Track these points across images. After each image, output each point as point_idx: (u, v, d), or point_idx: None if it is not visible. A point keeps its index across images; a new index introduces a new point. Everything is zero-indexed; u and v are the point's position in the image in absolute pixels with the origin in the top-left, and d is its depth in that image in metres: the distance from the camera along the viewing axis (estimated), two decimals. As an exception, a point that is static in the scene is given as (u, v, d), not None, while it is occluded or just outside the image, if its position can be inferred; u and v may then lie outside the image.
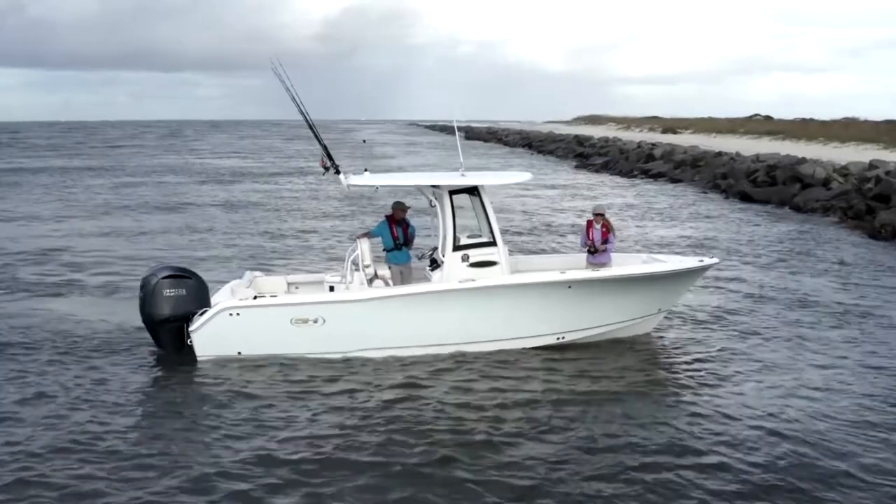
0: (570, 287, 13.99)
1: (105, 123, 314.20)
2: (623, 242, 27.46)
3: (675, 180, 49.40)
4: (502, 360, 13.77)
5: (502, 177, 16.61)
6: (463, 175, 14.12)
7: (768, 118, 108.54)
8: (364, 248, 14.34)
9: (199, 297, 13.78)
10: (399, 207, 14.90)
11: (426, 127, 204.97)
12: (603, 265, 15.08)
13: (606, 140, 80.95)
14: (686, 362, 14.32)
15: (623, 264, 15.25)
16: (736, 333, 16.15)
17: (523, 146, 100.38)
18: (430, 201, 14.52)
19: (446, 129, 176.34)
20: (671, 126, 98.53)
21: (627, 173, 56.25)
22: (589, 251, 15.29)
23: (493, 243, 14.06)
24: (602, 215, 15.28)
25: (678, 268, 14.88)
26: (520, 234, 29.88)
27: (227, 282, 15.51)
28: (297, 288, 15.27)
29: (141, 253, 25.24)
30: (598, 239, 15.19)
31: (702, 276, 16.34)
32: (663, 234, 29.70)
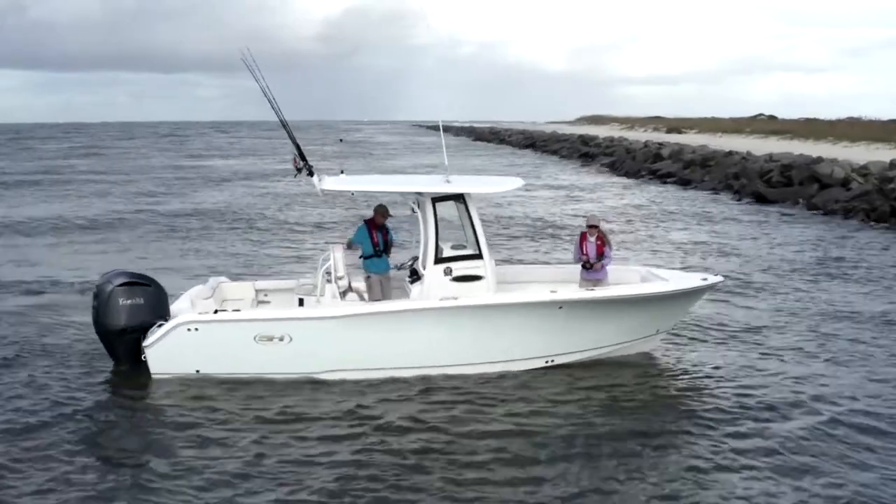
0: (560, 308, 12.99)
1: (106, 124, 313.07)
2: (634, 248, 26.29)
3: (684, 181, 47.80)
4: (486, 384, 12.72)
5: (491, 184, 15.21)
6: (448, 181, 13.21)
7: (772, 118, 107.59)
8: (337, 258, 13.40)
9: (158, 307, 12.85)
10: (381, 211, 13.94)
11: (428, 127, 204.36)
12: (598, 282, 14.05)
13: (612, 140, 79.49)
14: (703, 387, 13.02)
15: (620, 280, 14.27)
16: (761, 351, 14.71)
17: (527, 146, 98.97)
18: (412, 208, 13.47)
19: (448, 130, 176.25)
20: (676, 126, 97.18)
21: (635, 173, 54.74)
22: (583, 266, 14.19)
23: (478, 256, 13.11)
24: (596, 227, 14.27)
25: (679, 287, 13.73)
26: (519, 237, 28.48)
27: (191, 288, 14.53)
28: (265, 295, 14.36)
29: (105, 259, 23.41)
30: (592, 254, 14.16)
31: (705, 295, 15.10)
32: (676, 239, 28.24)
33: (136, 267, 16.37)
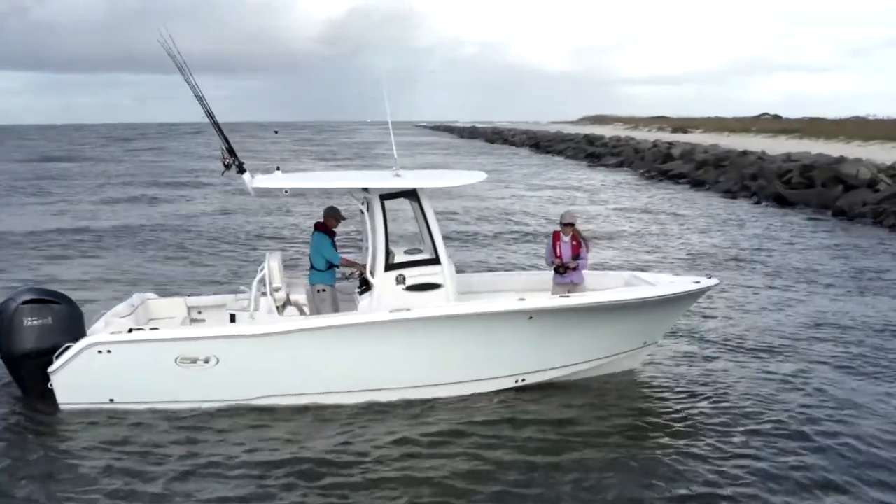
0: (531, 318, 11.47)
1: (106, 125, 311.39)
2: (646, 253, 24.56)
3: (697, 182, 45.88)
4: (445, 409, 11.31)
5: (447, 177, 13.32)
6: (398, 175, 11.80)
7: (777, 117, 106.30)
8: (273, 267, 11.96)
9: (70, 327, 11.40)
10: (332, 215, 12.50)
11: (429, 128, 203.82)
12: (574, 288, 12.60)
13: (619, 139, 77.55)
14: (699, 411, 11.51)
15: (600, 287, 12.73)
16: (772, 372, 13.08)
17: (530, 146, 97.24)
18: (361, 208, 12.05)
19: (451, 130, 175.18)
20: (681, 126, 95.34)
21: (644, 173, 52.78)
22: (556, 270, 12.74)
23: (435, 261, 11.70)
24: (572, 225, 12.79)
25: (668, 292, 12.20)
26: (519, 240, 26.75)
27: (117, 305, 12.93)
28: (199, 312, 12.97)
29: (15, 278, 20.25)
30: (567, 255, 12.72)
31: (697, 301, 13.58)
32: (693, 244, 26.43)
33: (55, 284, 14.91)
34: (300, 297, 12.29)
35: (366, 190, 11.88)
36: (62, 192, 44.29)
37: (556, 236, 12.85)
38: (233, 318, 12.07)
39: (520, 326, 11.49)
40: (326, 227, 12.34)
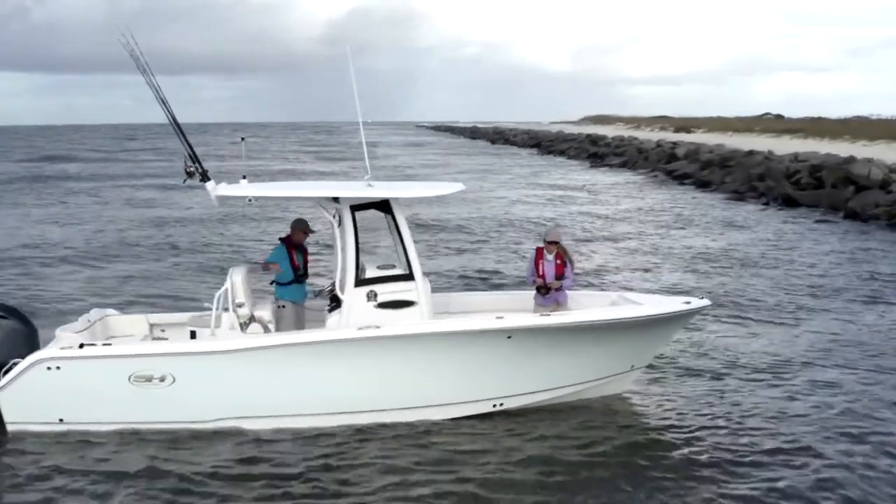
0: (509, 337, 10.81)
1: (106, 126, 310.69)
2: (649, 257, 23.74)
3: (703, 182, 45.01)
4: (417, 434, 10.61)
5: (422, 188, 12.77)
6: (369, 185, 11.30)
7: (779, 117, 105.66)
8: (236, 282, 11.37)
9: (22, 343, 10.87)
10: (300, 227, 12.01)
11: (431, 128, 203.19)
12: (556, 308, 11.88)
13: (622, 139, 76.69)
14: (692, 439, 10.59)
15: (584, 307, 12.14)
16: (777, 393, 12.18)
17: (532, 146, 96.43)
18: (331, 220, 11.47)
19: (452, 130, 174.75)
20: (684, 125, 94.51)
21: (648, 174, 51.92)
22: (538, 290, 12.09)
23: (409, 276, 11.11)
24: (556, 243, 12.17)
25: (655, 313, 11.45)
26: (522, 243, 25.32)
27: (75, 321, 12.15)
28: (163, 330, 12.35)
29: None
30: (550, 274, 12.05)
31: (688, 321, 12.76)
32: (699, 248, 25.54)
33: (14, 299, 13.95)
34: (265, 313, 11.64)
35: (335, 200, 11.34)
36: (48, 196, 43.43)
37: (539, 253, 12.18)
38: (193, 335, 11.41)
39: (497, 347, 10.84)
40: (291, 239, 11.90)
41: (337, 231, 11.37)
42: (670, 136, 78.68)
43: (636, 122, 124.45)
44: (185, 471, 9.57)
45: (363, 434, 10.53)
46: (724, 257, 23.63)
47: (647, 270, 22.01)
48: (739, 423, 11.01)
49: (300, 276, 11.79)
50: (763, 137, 66.97)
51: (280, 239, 12.01)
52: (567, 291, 12.17)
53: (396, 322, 10.81)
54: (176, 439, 10.35)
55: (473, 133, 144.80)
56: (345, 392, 10.69)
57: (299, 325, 11.73)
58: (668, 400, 12.02)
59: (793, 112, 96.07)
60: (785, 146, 51.85)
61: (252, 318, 11.50)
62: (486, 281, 20.19)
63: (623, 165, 59.38)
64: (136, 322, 12.40)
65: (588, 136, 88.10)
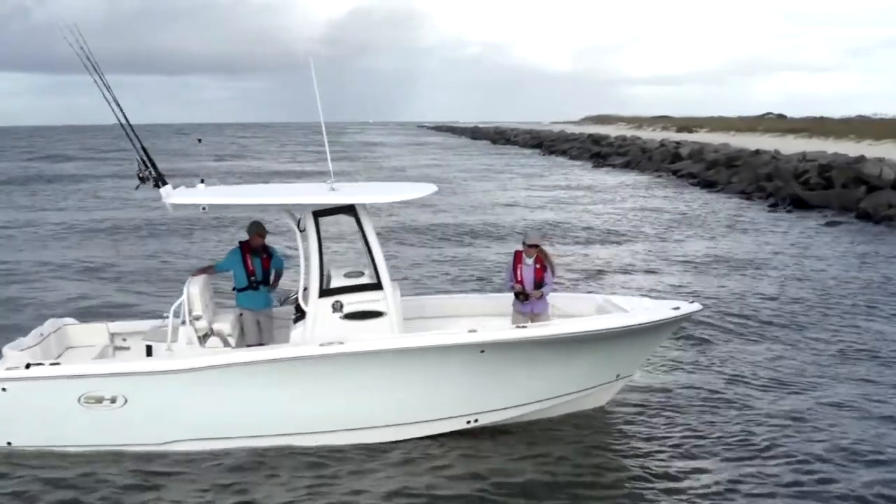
0: (482, 352, 10.17)
1: (108, 127, 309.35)
2: (658, 259, 22.94)
3: (709, 182, 44.15)
4: (388, 452, 10.06)
5: (390, 191, 12.03)
6: (333, 189, 10.72)
7: (781, 117, 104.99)
8: (193, 293, 10.73)
9: None
10: (257, 231, 11.37)
11: (431, 128, 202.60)
12: (536, 317, 11.24)
13: (624, 139, 75.84)
14: (683, 456, 9.86)
15: (569, 312, 11.61)
16: (780, 410, 11.30)
17: (533, 146, 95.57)
18: (294, 227, 10.91)
19: (453, 130, 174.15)
20: (686, 125, 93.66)
21: (652, 174, 51.11)
22: (517, 296, 11.32)
23: (377, 285, 10.51)
24: (537, 247, 11.34)
25: (641, 321, 10.76)
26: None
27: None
28: (124, 340, 11.83)
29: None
30: (528, 280, 11.28)
31: (677, 329, 12.07)
32: (709, 249, 24.71)
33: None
34: (225, 325, 11.00)
35: (296, 207, 10.78)
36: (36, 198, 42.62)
37: (517, 257, 11.40)
38: (150, 350, 10.81)
39: (470, 361, 10.19)
40: (249, 244, 11.33)
41: (300, 238, 10.78)
42: (673, 136, 77.86)
43: (638, 121, 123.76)
44: (134, 497, 9.05)
45: (332, 454, 9.93)
46: (732, 259, 22.86)
47: (651, 272, 21.31)
48: (736, 439, 10.25)
49: (255, 282, 11.23)
50: (767, 137, 66.28)
51: (240, 242, 11.41)
52: (547, 298, 11.43)
53: (364, 334, 10.24)
54: (128, 463, 9.80)
55: (474, 133, 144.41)
56: (308, 411, 10.10)
57: (260, 333, 11.30)
58: (657, 412, 11.30)
59: (793, 112, 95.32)
60: (790, 146, 51.13)
61: (211, 332, 10.88)
62: (484, 281, 19.50)
63: (626, 166, 58.54)
64: (96, 331, 11.87)
65: (590, 135, 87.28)
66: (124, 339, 11.76)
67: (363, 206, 10.62)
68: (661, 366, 13.10)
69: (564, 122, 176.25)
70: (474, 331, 10.17)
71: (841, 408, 11.37)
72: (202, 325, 10.81)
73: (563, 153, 79.48)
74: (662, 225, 30.40)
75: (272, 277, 11.47)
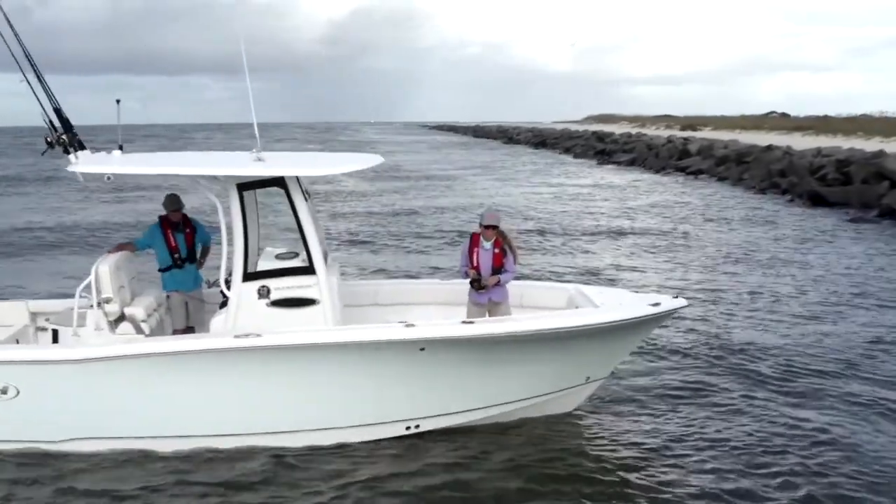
0: (422, 349, 9.03)
1: (109, 128, 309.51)
2: (663, 256, 21.66)
3: (719, 179, 42.70)
4: (311, 461, 8.99)
5: (323, 163, 10.78)
6: (259, 160, 9.50)
7: (784, 116, 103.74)
8: (103, 272, 9.68)
9: None
10: (172, 205, 10.40)
11: (432, 128, 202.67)
12: (495, 307, 10.04)
13: (629, 136, 74.24)
14: (664, 468, 8.79)
15: (535, 304, 10.54)
16: (779, 421, 10.15)
17: (536, 144, 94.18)
18: (215, 201, 9.70)
19: (455, 129, 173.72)
20: (689, 124, 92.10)
21: (660, 171, 49.58)
22: (472, 284, 10.02)
23: (308, 269, 9.35)
24: (495, 228, 10.02)
25: (615, 318, 9.50)
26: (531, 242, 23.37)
27: None
28: (47, 319, 10.61)
29: None
30: (486, 266, 9.99)
31: (657, 326, 10.97)
32: (725, 245, 23.25)
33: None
34: (139, 310, 9.96)
35: (216, 178, 9.62)
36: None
37: (474, 240, 10.12)
38: (55, 336, 9.84)
39: (408, 360, 9.06)
40: (168, 218, 10.35)
41: (222, 214, 9.64)
42: (678, 134, 76.40)
43: (640, 121, 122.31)
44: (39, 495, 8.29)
45: (236, 461, 8.89)
46: (747, 256, 21.61)
47: (661, 268, 20.16)
48: (725, 449, 9.14)
49: (180, 259, 10.24)
50: (773, 135, 64.91)
51: (160, 217, 10.39)
52: (511, 287, 10.21)
53: (295, 324, 9.15)
54: (18, 463, 8.95)
55: (476, 132, 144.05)
56: (220, 411, 9.09)
57: (188, 318, 10.39)
58: (633, 420, 10.09)
59: (796, 112, 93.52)
60: (799, 143, 49.83)
61: (123, 316, 9.81)
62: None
63: (632, 163, 57.04)
64: (15, 309, 10.94)
65: (594, 132, 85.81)
66: (47, 319, 10.56)
67: (294, 178, 9.41)
68: (648, 363, 12.05)
69: (566, 122, 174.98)
70: (412, 325, 8.98)
71: (851, 423, 10.09)
72: (112, 308, 9.74)
73: (567, 151, 78.04)
74: (674, 220, 29.16)
75: (199, 254, 10.45)
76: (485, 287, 9.97)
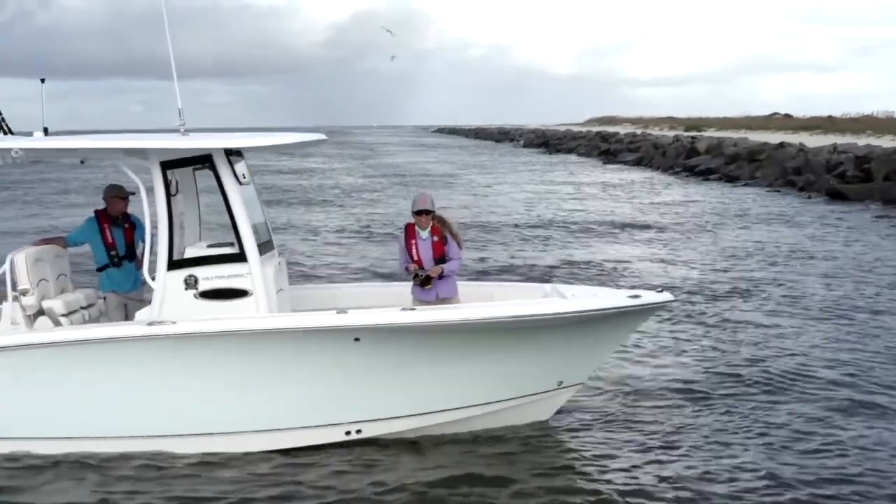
0: (357, 340, 8.22)
1: (111, 132, 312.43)
2: (674, 255, 20.20)
3: (730, 177, 41.33)
4: (234, 467, 8.20)
5: (255, 138, 9.66)
6: (184, 135, 8.78)
7: (788, 116, 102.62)
8: (18, 263, 8.96)
9: None
10: (116, 194, 9.68)
11: (434, 131, 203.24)
12: (444, 302, 9.00)
13: (634, 135, 72.90)
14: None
15: (498, 304, 9.20)
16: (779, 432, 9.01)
17: (539, 145, 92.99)
18: (136, 182, 9.02)
19: (456, 132, 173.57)
20: (693, 125, 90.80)
21: (667, 170, 48.22)
22: (414, 280, 9.06)
23: (239, 256, 8.57)
24: (429, 212, 9.09)
25: (580, 309, 8.48)
26: (529, 239, 22.26)
27: None
28: None
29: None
30: (427, 259, 9.02)
31: (642, 323, 9.76)
32: (748, 244, 21.83)
33: None
34: (57, 303, 9.09)
35: (137, 154, 8.95)
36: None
37: (409, 231, 9.16)
38: None
39: (341, 353, 8.24)
40: (108, 213, 9.60)
41: (145, 196, 8.93)
42: (684, 135, 75.09)
43: (644, 122, 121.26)
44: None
45: (154, 465, 8.14)
46: (767, 256, 20.38)
47: (677, 267, 18.90)
48: (711, 465, 8.13)
49: (118, 257, 9.46)
50: (781, 134, 63.84)
51: (95, 211, 9.65)
52: (454, 280, 9.17)
53: (223, 317, 8.38)
54: None
55: (477, 134, 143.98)
56: (136, 411, 8.36)
57: (127, 321, 9.40)
58: (612, 432, 9.00)
59: (799, 112, 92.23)
60: (809, 141, 48.74)
61: (41, 311, 9.01)
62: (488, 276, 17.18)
63: (638, 163, 55.65)
64: None
65: (598, 133, 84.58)
66: None
67: (221, 153, 8.62)
68: (634, 369, 11.07)
69: (569, 124, 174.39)
70: (344, 311, 8.25)
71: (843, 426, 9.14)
72: (30, 301, 8.96)
73: (571, 151, 76.82)
74: (687, 219, 27.86)
75: (139, 251, 9.55)
76: (429, 281, 8.89)
